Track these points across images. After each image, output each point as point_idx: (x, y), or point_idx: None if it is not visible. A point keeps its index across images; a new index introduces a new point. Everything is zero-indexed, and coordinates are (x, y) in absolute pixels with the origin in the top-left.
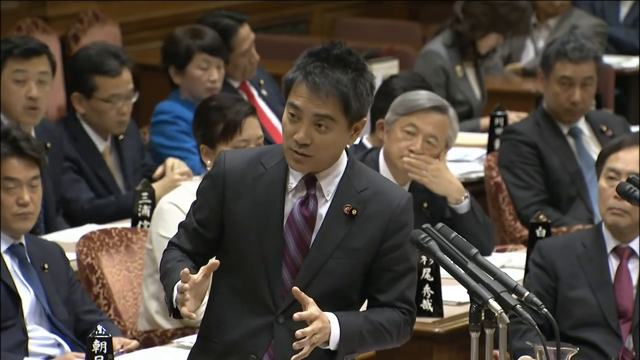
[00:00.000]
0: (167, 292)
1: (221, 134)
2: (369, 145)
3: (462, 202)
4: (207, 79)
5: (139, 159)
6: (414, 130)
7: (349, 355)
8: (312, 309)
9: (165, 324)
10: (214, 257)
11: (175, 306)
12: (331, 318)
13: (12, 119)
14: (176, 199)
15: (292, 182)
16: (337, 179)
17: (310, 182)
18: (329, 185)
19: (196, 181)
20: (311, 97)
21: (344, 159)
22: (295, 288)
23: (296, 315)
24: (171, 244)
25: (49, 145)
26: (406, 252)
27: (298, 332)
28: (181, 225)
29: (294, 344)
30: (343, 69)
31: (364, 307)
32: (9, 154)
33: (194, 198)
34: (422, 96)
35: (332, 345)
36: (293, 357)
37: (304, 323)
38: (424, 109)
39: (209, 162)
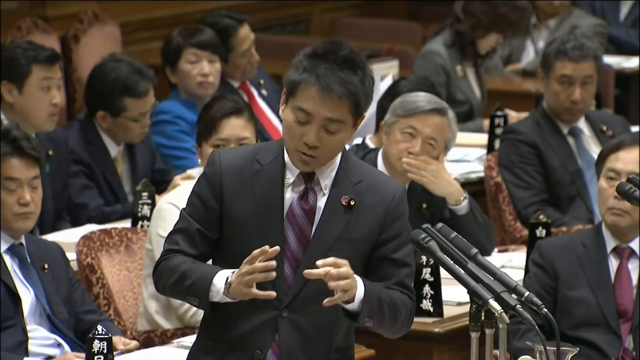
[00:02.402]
0: (193, 289)
1: (203, 132)
2: (371, 145)
3: (462, 204)
4: (197, 73)
5: (150, 165)
6: (413, 132)
7: (368, 320)
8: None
9: (165, 323)
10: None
11: (213, 299)
12: (355, 276)
13: (30, 125)
14: (175, 198)
15: (290, 177)
16: (333, 173)
17: (308, 176)
18: (326, 179)
19: (194, 181)
20: (323, 101)
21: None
22: (307, 271)
23: (320, 262)
24: (171, 251)
25: (50, 152)
26: (403, 241)
27: (319, 262)
28: (178, 231)
29: (330, 283)
30: (353, 70)
31: None
32: (9, 153)
33: None
34: (422, 98)
35: (355, 302)
36: (326, 300)
37: (308, 317)
38: (424, 111)
39: (199, 160)
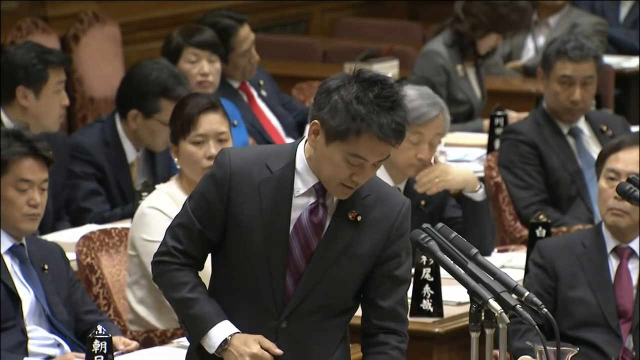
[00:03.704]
0: (188, 322)
1: (180, 130)
2: None
3: (479, 190)
4: (197, 72)
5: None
6: (420, 139)
7: None
8: None
9: (158, 324)
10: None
11: (202, 345)
12: None
13: (39, 128)
14: (156, 202)
15: (301, 188)
16: None
17: (321, 190)
18: None
19: (172, 183)
20: (381, 147)
21: None
22: None
23: None
24: (175, 249)
25: (50, 152)
26: (403, 258)
27: None
28: (181, 226)
29: None
30: (402, 108)
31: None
32: (25, 154)
33: (172, 200)
34: (422, 103)
35: None
36: None
37: (307, 329)
38: (431, 119)
39: (176, 159)
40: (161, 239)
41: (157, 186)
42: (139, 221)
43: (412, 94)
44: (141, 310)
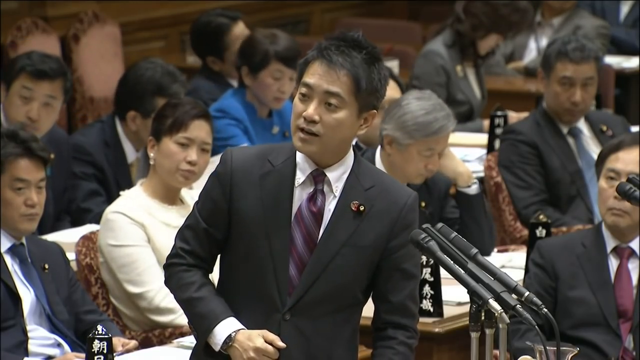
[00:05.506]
0: (194, 322)
1: (168, 128)
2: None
3: (472, 186)
4: (277, 89)
5: None
6: (432, 152)
7: None
8: None
9: (137, 327)
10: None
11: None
12: None
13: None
14: (120, 207)
15: (300, 177)
16: (345, 176)
17: (319, 177)
18: (337, 182)
19: (136, 188)
20: (324, 74)
21: (351, 155)
22: None
23: None
24: (183, 250)
25: (52, 156)
26: (411, 250)
27: None
28: (188, 228)
29: None
30: (359, 50)
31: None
32: (20, 154)
33: (137, 204)
34: (437, 116)
35: None
36: None
37: (311, 321)
38: (447, 133)
39: (152, 154)
40: (127, 242)
41: (121, 193)
42: (104, 227)
43: (426, 105)
44: (127, 311)
